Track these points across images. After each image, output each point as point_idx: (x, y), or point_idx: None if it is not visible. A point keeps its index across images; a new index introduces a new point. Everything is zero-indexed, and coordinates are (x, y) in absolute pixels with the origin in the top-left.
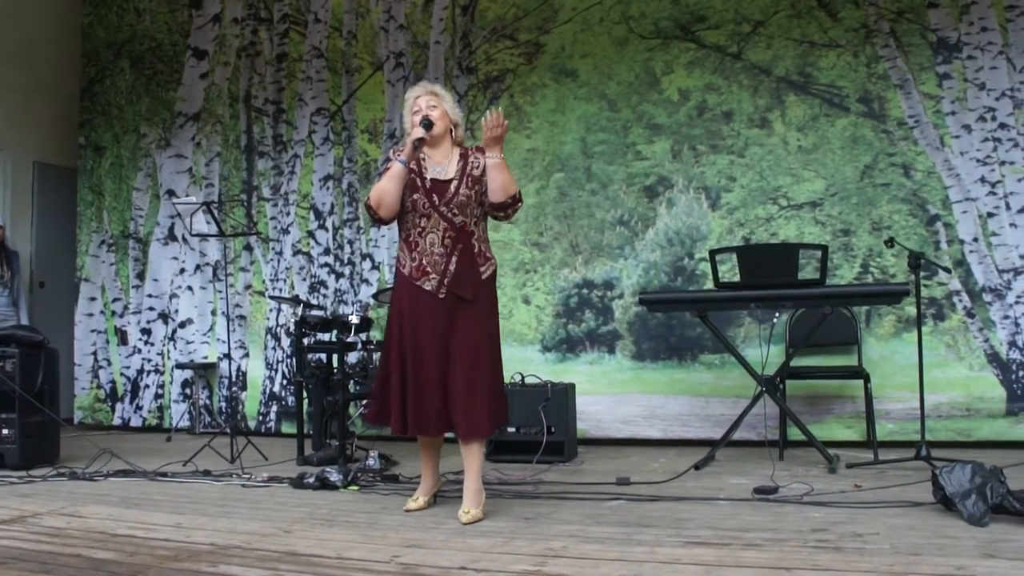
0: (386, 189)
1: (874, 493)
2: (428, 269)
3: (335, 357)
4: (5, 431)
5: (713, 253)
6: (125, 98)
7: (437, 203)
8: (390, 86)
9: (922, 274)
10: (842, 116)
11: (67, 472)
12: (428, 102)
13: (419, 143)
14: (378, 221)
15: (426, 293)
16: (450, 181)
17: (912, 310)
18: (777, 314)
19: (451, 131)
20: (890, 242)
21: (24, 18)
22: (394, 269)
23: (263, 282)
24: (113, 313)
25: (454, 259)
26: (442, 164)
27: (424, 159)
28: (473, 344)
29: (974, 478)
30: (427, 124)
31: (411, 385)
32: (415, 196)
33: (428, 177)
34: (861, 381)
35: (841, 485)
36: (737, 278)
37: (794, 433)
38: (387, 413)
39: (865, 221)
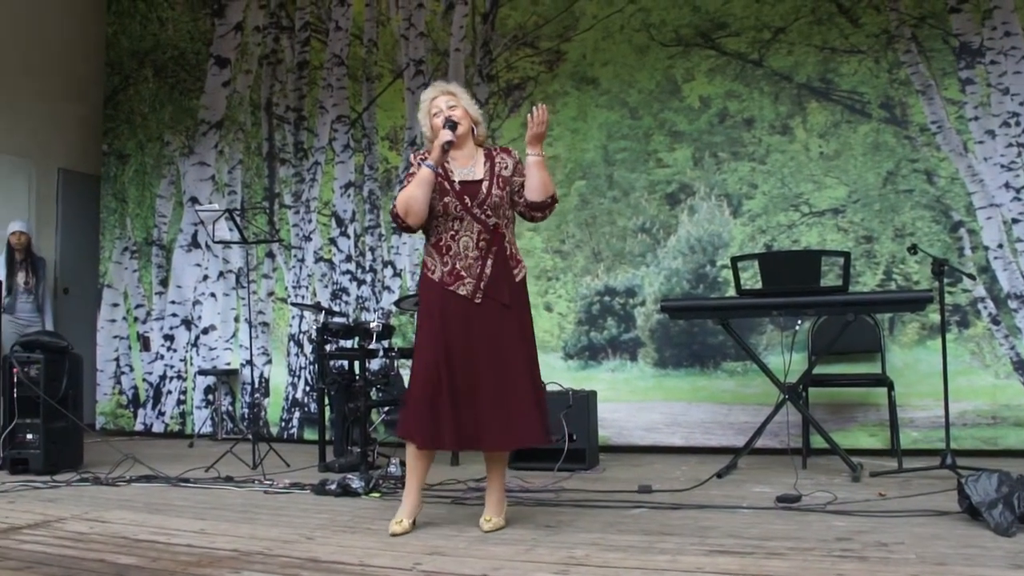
0: (414, 195)
1: (899, 502)
2: (463, 273)
3: (357, 364)
4: (30, 436)
5: (735, 260)
6: (148, 106)
7: (470, 205)
8: (410, 93)
9: (946, 281)
10: (864, 122)
11: (90, 477)
12: (447, 102)
13: (448, 146)
14: (405, 229)
15: (460, 299)
16: (480, 182)
17: (936, 317)
18: (799, 321)
19: (473, 130)
20: (913, 249)
21: (50, 28)
22: (419, 276)
23: (285, 289)
24: (136, 319)
25: (489, 262)
26: (468, 165)
27: (448, 161)
28: (514, 350)
29: (1000, 487)
30: (452, 125)
31: (453, 396)
32: (446, 199)
33: (456, 180)
34: (885, 389)
35: (865, 494)
36: (759, 285)
37: (817, 441)
38: (424, 427)
39: (888, 228)
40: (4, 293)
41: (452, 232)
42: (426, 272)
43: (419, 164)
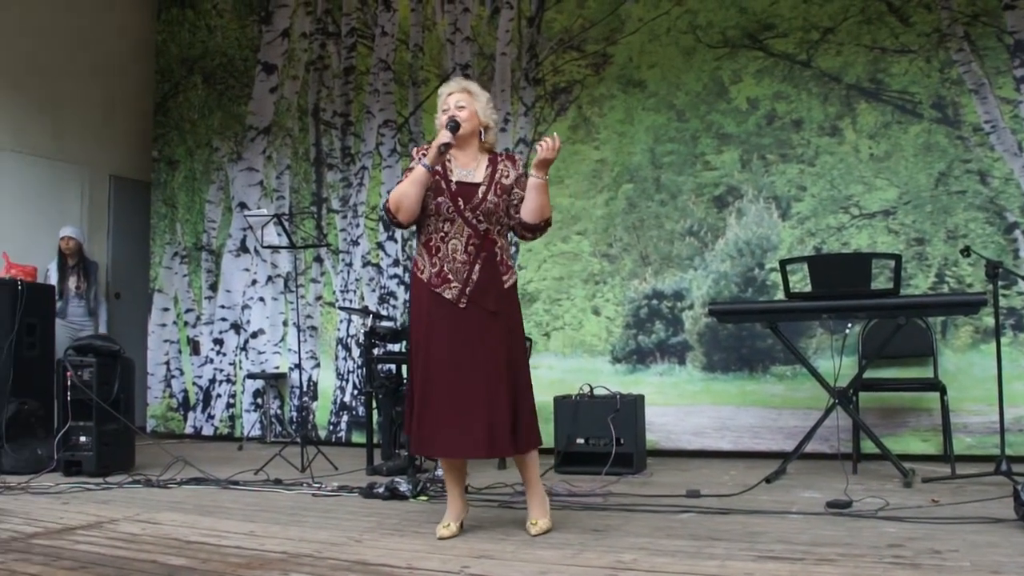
0: (406, 192)
1: (952, 508)
2: (449, 276)
3: (404, 368)
4: (83, 439)
5: (784, 263)
6: (198, 113)
7: (462, 208)
8: None
9: (1000, 283)
10: (915, 123)
11: (142, 479)
12: (458, 101)
13: (445, 148)
14: (396, 224)
15: (446, 302)
16: (478, 186)
17: (990, 320)
18: (850, 325)
19: (480, 133)
20: (966, 251)
21: (102, 37)
22: (411, 274)
23: (333, 293)
24: (186, 324)
25: (477, 267)
26: (469, 167)
27: (450, 160)
28: (499, 358)
29: None
30: (453, 126)
31: (441, 402)
32: (439, 199)
33: (454, 180)
34: (937, 393)
35: (917, 500)
36: (808, 288)
37: (868, 446)
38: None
39: (940, 230)
40: (56, 297)
41: (442, 233)
42: (416, 271)
43: (419, 160)
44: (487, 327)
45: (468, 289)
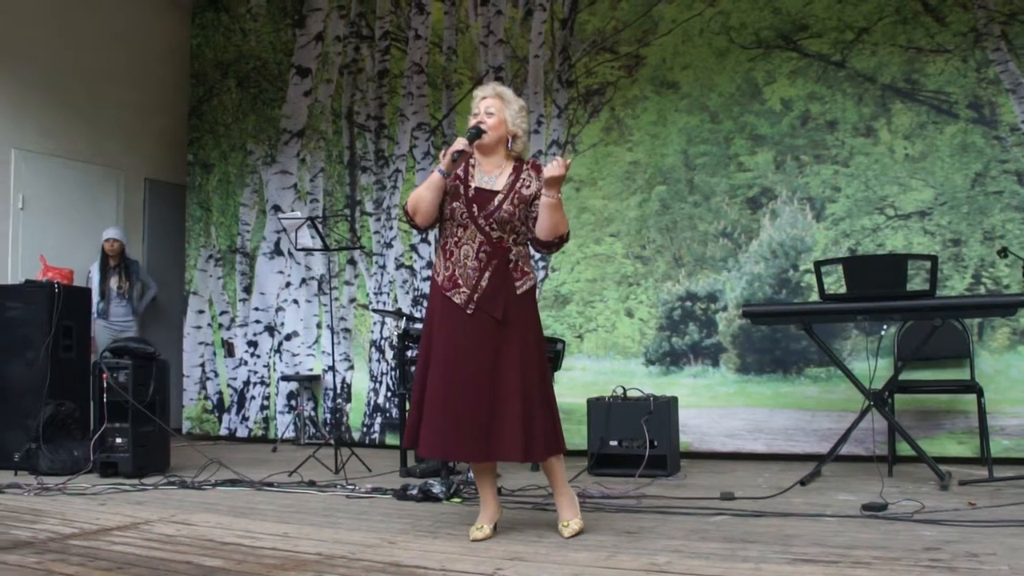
0: (422, 196)
1: (989, 511)
2: (459, 281)
3: None
4: (118, 440)
5: (818, 264)
6: (232, 116)
7: (476, 214)
8: None
9: None
10: (951, 123)
11: (177, 481)
12: (488, 106)
13: (458, 155)
14: (414, 227)
15: (455, 306)
16: (495, 194)
17: None
18: (885, 326)
19: (508, 141)
20: (1003, 252)
21: (137, 42)
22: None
23: (367, 295)
24: (220, 326)
25: (487, 275)
26: (491, 174)
27: (474, 165)
28: (505, 365)
29: None
30: (473, 134)
31: (440, 404)
32: (455, 204)
33: (473, 186)
34: (974, 395)
35: (954, 503)
36: (843, 290)
37: (903, 448)
38: (411, 432)
39: (976, 231)
40: (98, 299)
41: (456, 238)
42: (433, 273)
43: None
44: (494, 333)
45: (476, 295)
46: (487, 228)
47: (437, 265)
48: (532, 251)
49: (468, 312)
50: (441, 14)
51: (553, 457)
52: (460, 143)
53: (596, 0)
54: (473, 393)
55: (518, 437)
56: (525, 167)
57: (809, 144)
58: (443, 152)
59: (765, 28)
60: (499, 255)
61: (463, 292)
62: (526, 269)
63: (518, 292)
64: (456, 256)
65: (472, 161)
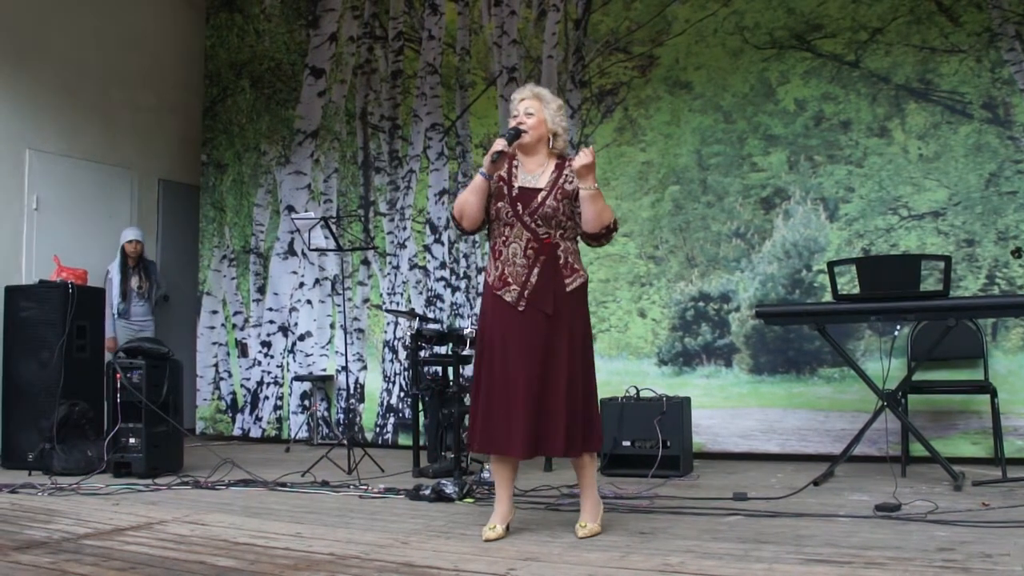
0: (468, 200)
1: (1003, 512)
2: (509, 280)
3: (451, 370)
4: (132, 440)
5: (832, 265)
6: (246, 117)
7: (521, 212)
8: (503, 101)
9: None
10: (965, 123)
11: (190, 481)
12: (527, 108)
13: (498, 156)
14: (461, 231)
15: (507, 304)
16: (538, 191)
17: None
18: (898, 327)
19: (549, 139)
20: (1017, 252)
21: (152, 43)
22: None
23: (380, 296)
24: (234, 326)
25: (536, 271)
26: (534, 173)
27: (517, 166)
28: (555, 360)
29: None
30: (512, 135)
31: (493, 400)
32: (500, 204)
33: (517, 185)
34: (987, 396)
35: (967, 503)
36: (857, 290)
37: (917, 449)
38: (475, 431)
39: (990, 231)
40: (119, 299)
41: (504, 237)
42: (485, 275)
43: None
44: (545, 330)
45: (526, 292)
46: (532, 225)
47: (488, 267)
48: (582, 246)
49: (519, 309)
50: (455, 14)
51: (587, 455)
52: (499, 144)
53: (610, 0)
54: (524, 389)
55: (561, 433)
56: (567, 163)
57: (823, 144)
58: (485, 158)
59: (779, 28)
60: (547, 251)
61: (513, 289)
62: (576, 266)
63: (568, 289)
64: (505, 255)
65: (515, 162)
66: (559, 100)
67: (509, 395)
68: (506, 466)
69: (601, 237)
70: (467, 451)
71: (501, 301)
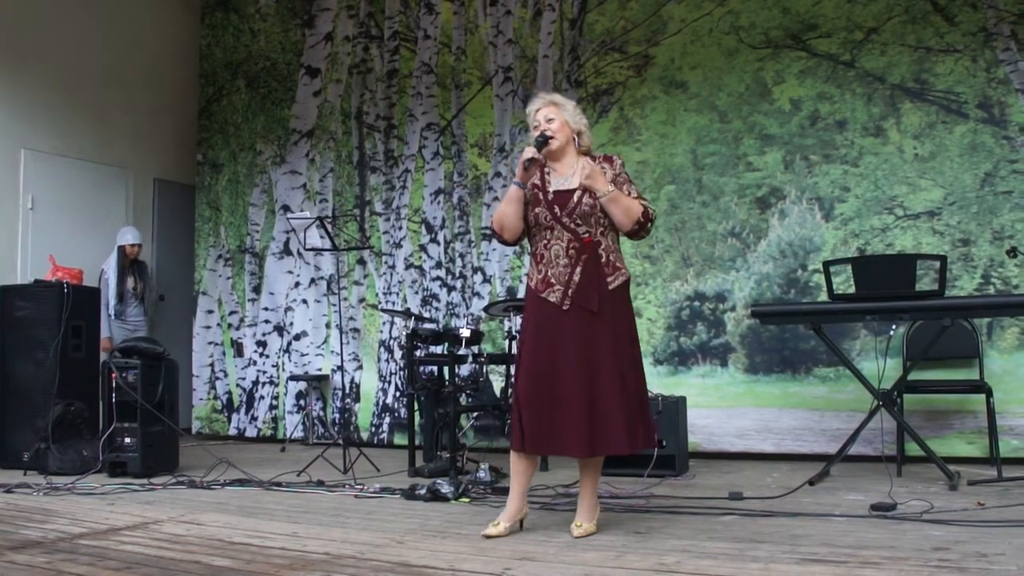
0: (505, 212)
1: (998, 512)
2: (552, 281)
3: (447, 370)
4: (127, 440)
5: (827, 264)
6: (241, 116)
7: (559, 215)
8: (499, 100)
9: None
10: (960, 123)
11: (186, 480)
12: (546, 115)
13: (530, 163)
14: (503, 243)
15: (551, 305)
16: (573, 192)
17: None
18: (894, 326)
19: (575, 139)
20: (1013, 252)
21: (147, 43)
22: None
23: (376, 295)
24: (230, 326)
25: (579, 270)
26: (566, 175)
27: (548, 172)
28: (603, 357)
29: None
30: (540, 143)
31: (544, 401)
32: (537, 210)
33: (551, 190)
34: (983, 395)
35: (963, 503)
36: (852, 290)
37: (912, 449)
38: (515, 431)
39: (986, 230)
40: (115, 300)
41: (545, 241)
42: (528, 280)
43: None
44: (590, 328)
45: (570, 291)
46: (572, 225)
47: (530, 271)
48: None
49: (564, 308)
50: (450, 14)
51: (599, 456)
52: (529, 151)
53: (605, 0)
54: (576, 388)
55: (622, 429)
56: (598, 160)
57: (818, 144)
58: (517, 168)
59: (774, 28)
60: (588, 250)
61: (557, 290)
62: (618, 264)
63: (610, 288)
64: (547, 258)
65: (547, 168)
66: (573, 100)
67: (561, 395)
68: (522, 466)
69: (637, 231)
70: (514, 449)
71: (545, 303)
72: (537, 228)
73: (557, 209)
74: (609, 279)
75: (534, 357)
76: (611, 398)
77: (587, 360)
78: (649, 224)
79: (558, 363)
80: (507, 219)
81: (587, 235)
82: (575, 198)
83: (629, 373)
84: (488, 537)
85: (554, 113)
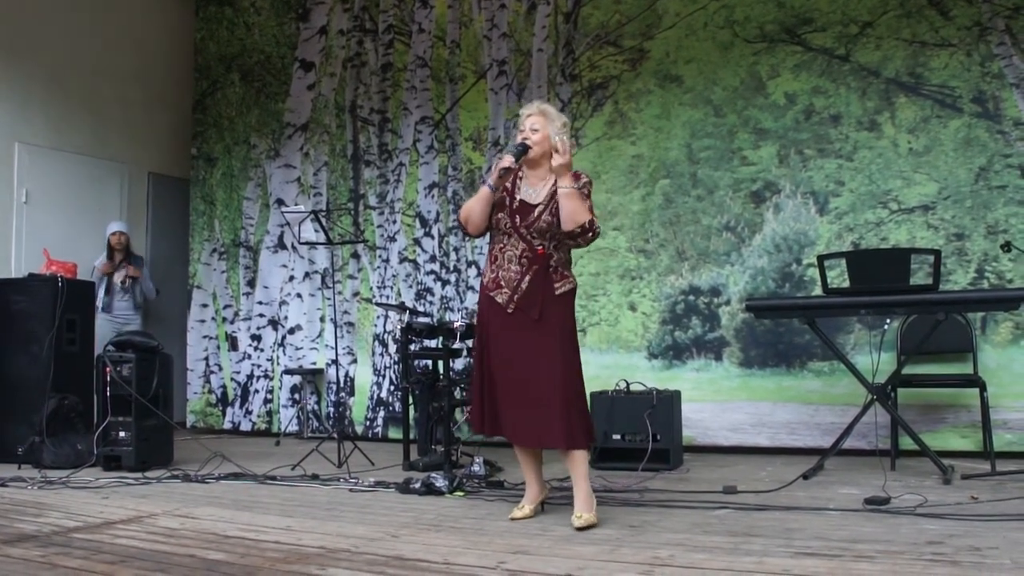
0: (472, 208)
1: (992, 505)
2: (502, 283)
3: (441, 363)
4: (122, 434)
5: (821, 259)
6: (235, 110)
7: (518, 224)
8: (493, 94)
9: None
10: (955, 117)
11: (180, 474)
12: (533, 123)
13: (505, 172)
14: (466, 234)
15: (498, 305)
16: (536, 206)
17: None
18: (888, 320)
19: (551, 154)
20: (1007, 246)
21: (141, 36)
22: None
23: (370, 289)
24: (224, 320)
25: (527, 278)
26: (536, 187)
27: (521, 178)
28: (543, 360)
29: None
30: (520, 151)
31: (488, 390)
32: (500, 215)
33: (518, 198)
34: (977, 389)
35: (956, 497)
36: (846, 284)
37: (906, 442)
38: (475, 414)
39: (980, 225)
40: (102, 293)
41: (501, 244)
42: (482, 276)
43: (485, 180)
44: (532, 330)
45: (516, 296)
46: (528, 237)
47: (485, 269)
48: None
49: (508, 311)
50: (445, 8)
51: (577, 450)
52: (507, 160)
53: None
54: (518, 383)
55: (560, 426)
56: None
57: (813, 138)
58: (498, 159)
59: (769, 22)
60: (539, 261)
61: (504, 292)
62: (566, 273)
63: (556, 293)
64: (500, 261)
65: (520, 174)
66: (564, 118)
67: (504, 388)
68: (523, 452)
69: (577, 236)
70: (473, 432)
71: (493, 302)
72: (497, 231)
73: (518, 219)
74: (556, 285)
75: (484, 349)
76: (552, 397)
77: (526, 361)
78: (591, 235)
79: (505, 360)
80: (473, 215)
81: (540, 247)
82: (535, 213)
83: (571, 374)
84: (514, 519)
85: (540, 124)
